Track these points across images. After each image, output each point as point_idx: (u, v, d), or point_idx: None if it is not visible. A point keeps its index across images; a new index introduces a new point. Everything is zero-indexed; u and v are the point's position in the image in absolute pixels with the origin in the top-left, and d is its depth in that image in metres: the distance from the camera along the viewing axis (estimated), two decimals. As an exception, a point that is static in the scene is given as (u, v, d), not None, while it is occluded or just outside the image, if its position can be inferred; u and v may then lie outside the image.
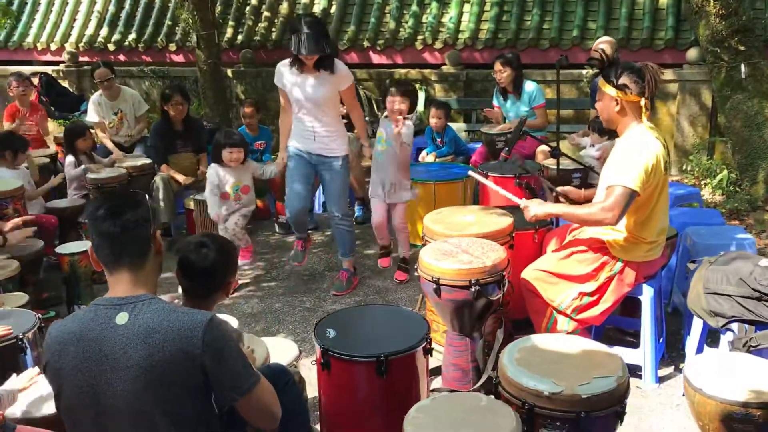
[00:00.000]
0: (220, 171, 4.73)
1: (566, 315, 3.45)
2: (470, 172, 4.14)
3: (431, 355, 2.71)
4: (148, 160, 5.77)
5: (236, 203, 4.77)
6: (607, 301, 3.43)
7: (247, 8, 8.87)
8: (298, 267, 5.10)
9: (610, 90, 3.28)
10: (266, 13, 8.75)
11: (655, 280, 3.54)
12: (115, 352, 1.85)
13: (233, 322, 3.34)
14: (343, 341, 2.59)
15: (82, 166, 5.48)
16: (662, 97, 7.11)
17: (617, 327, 4.02)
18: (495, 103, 6.22)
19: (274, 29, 8.63)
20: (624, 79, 3.25)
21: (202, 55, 7.74)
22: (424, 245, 3.61)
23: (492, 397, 2.29)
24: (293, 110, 4.51)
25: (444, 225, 3.71)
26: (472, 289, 3.15)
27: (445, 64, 7.80)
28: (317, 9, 8.58)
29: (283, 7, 8.72)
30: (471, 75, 7.68)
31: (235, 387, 1.94)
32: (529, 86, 5.91)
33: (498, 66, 5.88)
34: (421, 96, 7.57)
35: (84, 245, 4.42)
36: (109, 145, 6.20)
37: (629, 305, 3.77)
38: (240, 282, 4.91)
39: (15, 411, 2.48)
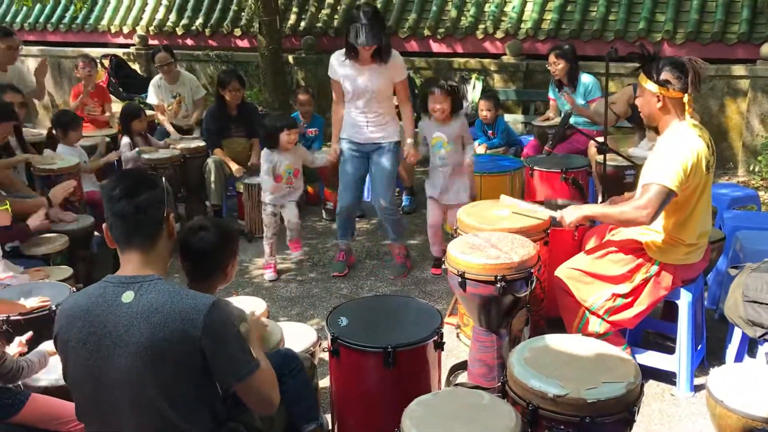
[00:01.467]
0: (274, 154, 4.80)
1: (599, 316, 3.36)
2: (502, 197, 3.94)
3: (442, 349, 2.67)
4: (202, 143, 5.90)
5: (287, 186, 4.84)
6: (642, 303, 3.31)
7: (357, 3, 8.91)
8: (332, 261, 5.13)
9: (650, 86, 3.15)
10: (329, 0, 8.78)
11: (695, 284, 3.40)
12: (119, 329, 1.89)
13: (261, 305, 3.39)
14: (353, 330, 2.58)
15: (137, 148, 5.65)
16: (732, 94, 6.80)
17: (658, 332, 3.88)
18: (550, 95, 6.10)
19: (336, 16, 8.66)
20: (666, 74, 3.11)
21: (263, 41, 7.84)
22: (453, 237, 3.57)
23: (496, 395, 2.25)
24: (347, 101, 4.54)
25: (477, 218, 3.66)
26: (498, 285, 3.09)
27: (505, 54, 7.66)
28: (380, -3, 8.57)
29: (346, -5, 8.75)
30: (531, 66, 7.52)
31: (233, 372, 1.95)
32: (586, 79, 5.75)
33: (552, 58, 5.75)
34: (478, 86, 7.46)
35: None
36: (168, 127, 6.39)
37: (671, 309, 3.64)
38: (282, 266, 4.98)
39: (49, 376, 2.58)
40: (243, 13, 9.00)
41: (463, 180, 4.59)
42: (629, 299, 3.32)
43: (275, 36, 7.86)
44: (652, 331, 3.90)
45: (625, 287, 3.31)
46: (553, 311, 3.66)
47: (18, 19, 10.14)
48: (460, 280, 3.17)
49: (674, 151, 3.07)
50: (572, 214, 3.31)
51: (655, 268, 3.28)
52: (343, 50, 4.40)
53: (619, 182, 4.94)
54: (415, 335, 2.54)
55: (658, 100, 3.14)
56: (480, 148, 6.04)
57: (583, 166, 4.77)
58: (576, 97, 5.76)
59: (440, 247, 4.71)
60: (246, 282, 4.81)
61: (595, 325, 3.36)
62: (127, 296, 1.91)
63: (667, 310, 3.80)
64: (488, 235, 3.40)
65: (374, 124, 4.52)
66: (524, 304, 3.26)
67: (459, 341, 3.86)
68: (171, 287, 1.95)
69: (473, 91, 7.34)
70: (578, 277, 3.40)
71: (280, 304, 4.43)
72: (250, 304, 3.41)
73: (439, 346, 2.62)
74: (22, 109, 5.05)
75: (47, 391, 2.50)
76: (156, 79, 6.54)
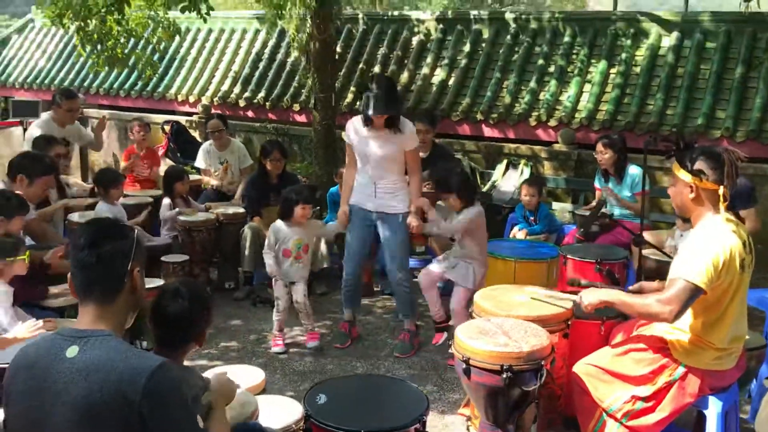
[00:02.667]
0: (284, 228, 4.72)
1: (616, 419, 3.08)
2: (527, 288, 3.77)
3: (425, 440, 2.46)
4: (241, 209, 5.94)
5: (296, 261, 4.71)
6: (664, 410, 3.02)
7: (370, 75, 9.10)
8: (363, 333, 4.98)
9: (684, 175, 2.97)
10: (386, 81, 8.93)
11: (728, 394, 3.09)
12: (58, 385, 1.78)
13: (259, 375, 3.26)
14: (330, 409, 2.42)
15: (176, 209, 5.72)
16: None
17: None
18: (596, 184, 5.91)
19: (392, 96, 8.77)
20: (700, 164, 2.93)
21: (317, 116, 7.97)
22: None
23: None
24: (358, 166, 4.54)
25: (493, 302, 3.48)
26: (504, 375, 2.89)
27: (557, 142, 7.54)
28: (436, 80, 8.65)
29: (404, 77, 8.87)
30: (583, 155, 7.35)
31: None
32: (633, 170, 5.55)
33: (600, 147, 5.61)
34: (526, 171, 7.33)
35: (155, 282, 4.53)
36: (214, 183, 6.51)
37: (703, 421, 3.31)
38: (300, 338, 4.85)
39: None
40: (303, 90, 9.22)
41: (470, 263, 4.53)
42: (650, 403, 3.03)
43: (329, 112, 7.98)
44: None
45: (647, 390, 3.03)
46: (571, 409, 3.39)
47: (95, 84, 10.69)
48: (464, 366, 2.98)
49: (705, 245, 2.85)
50: (592, 295, 3.11)
51: (680, 371, 3.00)
52: (361, 116, 4.46)
53: (662, 278, 4.66)
54: (394, 421, 2.35)
55: (691, 191, 2.96)
56: (520, 234, 5.87)
57: (620, 258, 4.53)
58: (622, 188, 5.57)
59: (438, 309, 4.71)
60: (261, 352, 4.69)
61: (612, 429, 3.08)
62: (72, 351, 1.81)
63: (700, 422, 3.46)
64: (501, 321, 3.21)
65: (383, 191, 4.51)
66: (533, 399, 3.03)
67: (469, 434, 3.61)
68: (118, 345, 1.83)
69: (520, 177, 7.20)
70: (596, 374, 3.14)
71: (290, 377, 4.28)
72: (248, 374, 3.29)
73: (421, 436, 2.42)
74: (65, 159, 5.20)
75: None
76: (206, 144, 6.70)
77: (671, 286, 2.84)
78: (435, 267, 4.63)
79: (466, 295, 4.43)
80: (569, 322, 3.41)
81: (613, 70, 7.81)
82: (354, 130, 4.53)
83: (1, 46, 12.33)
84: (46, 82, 11.08)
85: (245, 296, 5.67)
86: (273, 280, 4.80)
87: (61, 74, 11.17)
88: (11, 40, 12.35)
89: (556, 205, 7.13)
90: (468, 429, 3.64)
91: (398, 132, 4.41)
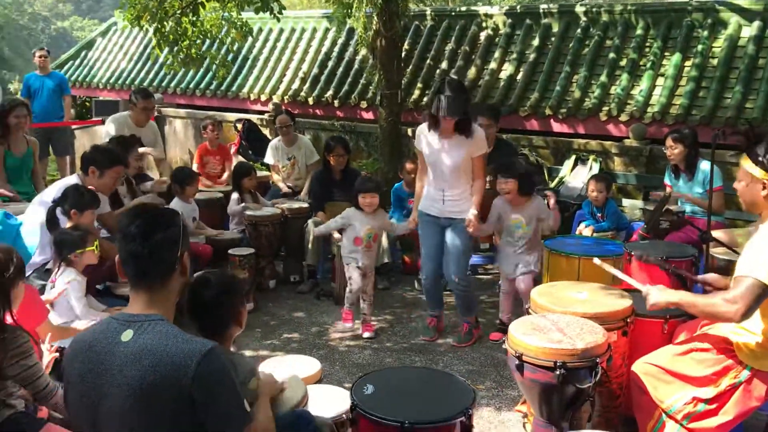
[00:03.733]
0: (358, 215, 4.86)
1: (676, 421, 2.97)
2: (595, 260, 3.72)
3: (471, 434, 2.44)
4: (305, 204, 6.03)
5: (365, 249, 4.80)
6: (728, 413, 2.89)
7: (437, 72, 9.07)
8: (421, 326, 4.99)
9: (754, 170, 2.84)
10: (453, 77, 8.86)
11: (799, 400, 2.93)
12: (113, 368, 1.86)
13: (315, 365, 3.31)
14: (376, 400, 2.43)
15: (243, 204, 5.86)
16: None
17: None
18: (666, 181, 5.70)
19: (459, 93, 8.71)
20: None
21: (383, 113, 8.00)
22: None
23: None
24: (428, 174, 4.55)
25: (550, 299, 3.41)
26: (557, 372, 2.84)
27: (628, 138, 7.33)
28: (504, 75, 8.54)
29: (471, 73, 8.80)
30: (655, 151, 7.10)
31: (223, 424, 1.86)
32: (705, 166, 5.33)
33: (669, 141, 5.41)
34: (595, 167, 7.15)
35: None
36: (281, 185, 6.63)
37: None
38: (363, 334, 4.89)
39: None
40: (370, 87, 9.28)
41: (533, 254, 4.64)
42: (713, 406, 2.91)
43: (395, 109, 8.00)
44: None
45: (709, 391, 2.92)
46: (630, 410, 3.28)
47: (172, 84, 11.05)
48: (517, 362, 2.95)
49: (775, 244, 2.72)
50: (658, 295, 2.99)
51: (745, 374, 2.87)
52: (427, 121, 4.45)
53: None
54: (439, 414, 2.34)
55: (764, 187, 2.82)
56: (586, 231, 5.73)
57: (688, 255, 4.36)
58: (693, 185, 5.36)
59: (509, 315, 4.73)
60: (322, 344, 4.76)
61: (673, 430, 2.98)
62: (126, 335, 1.88)
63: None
64: (557, 318, 3.16)
65: (450, 198, 4.50)
66: (588, 396, 2.96)
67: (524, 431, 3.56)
68: (170, 329, 1.90)
69: (589, 173, 7.03)
70: (656, 374, 3.04)
71: (348, 369, 4.33)
72: (305, 364, 3.34)
73: (467, 429, 2.40)
74: (140, 162, 5.40)
75: (63, 421, 2.52)
76: (275, 140, 6.84)
77: (738, 284, 2.72)
78: (507, 281, 4.73)
79: (532, 277, 4.62)
80: (628, 320, 3.31)
81: (688, 63, 7.52)
82: (426, 142, 4.52)
83: (86, 48, 12.92)
84: (127, 82, 11.54)
85: (309, 290, 5.77)
86: (345, 264, 4.93)
87: (141, 75, 11.61)
88: (96, 43, 12.93)
89: (626, 202, 6.92)
90: (524, 426, 3.59)
91: (468, 137, 4.37)
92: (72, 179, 4.52)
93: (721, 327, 3.06)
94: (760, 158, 2.83)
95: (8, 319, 2.49)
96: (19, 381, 2.43)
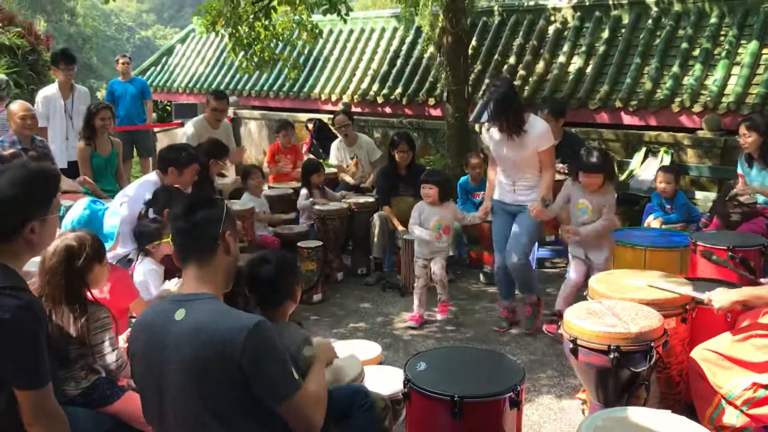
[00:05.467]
0: (426, 207, 4.98)
1: (736, 407, 2.96)
2: (647, 273, 3.70)
3: (519, 409, 2.52)
4: (371, 199, 6.19)
5: (437, 242, 4.92)
6: (789, 399, 2.86)
7: (504, 67, 9.08)
8: (488, 319, 5.06)
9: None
10: (521, 72, 8.87)
11: None
12: (170, 346, 2.01)
13: (376, 349, 3.45)
14: (429, 376, 2.54)
15: (311, 199, 6.07)
16: None
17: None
18: (739, 170, 5.55)
19: (527, 87, 8.70)
20: None
21: (450, 109, 8.07)
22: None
23: None
24: (498, 166, 4.64)
25: (607, 285, 3.44)
26: (611, 356, 2.88)
27: (701, 129, 7.16)
28: (572, 69, 8.48)
29: (539, 67, 8.77)
30: (730, 142, 6.92)
31: (272, 393, 2.00)
32: (781, 155, 5.17)
33: (743, 129, 5.27)
34: (666, 159, 7.02)
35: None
36: (348, 179, 6.83)
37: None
38: (427, 322, 4.99)
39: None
40: (437, 84, 9.37)
41: (600, 243, 4.52)
42: (773, 392, 2.89)
43: (462, 105, 8.06)
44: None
45: (769, 377, 2.89)
46: (691, 397, 3.28)
47: (247, 87, 11.45)
48: (572, 346, 3.00)
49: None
50: (723, 298, 3.00)
51: (806, 359, 2.84)
52: None
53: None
54: (489, 389, 2.43)
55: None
56: (655, 223, 5.66)
57: (756, 245, 4.27)
58: (767, 174, 5.21)
59: (566, 305, 4.52)
60: (387, 333, 4.89)
61: (732, 417, 2.97)
62: (180, 314, 2.03)
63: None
64: (613, 303, 3.19)
65: (521, 188, 4.62)
66: (643, 380, 2.98)
67: (583, 417, 3.58)
68: (220, 306, 2.04)
69: (660, 165, 6.89)
70: (715, 360, 3.04)
71: (408, 357, 4.43)
72: (367, 348, 3.49)
73: (515, 405, 2.48)
74: (219, 166, 5.68)
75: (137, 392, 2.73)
76: (337, 141, 7.04)
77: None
78: (578, 264, 4.64)
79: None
80: (687, 307, 3.30)
81: (766, 51, 7.29)
82: (490, 138, 4.63)
83: (166, 55, 13.53)
84: (205, 86, 12.01)
85: (375, 281, 5.92)
86: (415, 261, 5.05)
87: (218, 78, 12.07)
88: (175, 49, 13.52)
89: (699, 195, 6.78)
90: (583, 412, 3.62)
91: (525, 134, 4.41)
92: (152, 177, 4.80)
93: (783, 313, 3.03)
94: None
95: (90, 296, 2.73)
96: (98, 352, 2.66)
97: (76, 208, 3.40)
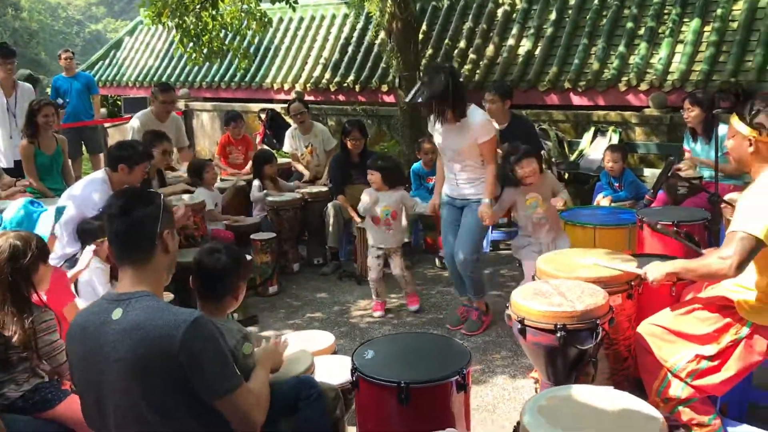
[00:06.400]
0: (373, 193, 4.95)
1: (681, 379, 3.02)
2: (592, 251, 3.74)
3: (466, 392, 2.53)
4: (324, 188, 6.15)
5: (386, 228, 4.88)
6: (730, 369, 2.93)
7: (455, 51, 9.08)
8: (443, 304, 5.08)
9: (742, 128, 2.87)
10: (472, 56, 8.88)
11: (801, 352, 2.94)
12: (107, 346, 1.96)
13: (329, 339, 3.43)
14: (376, 363, 2.53)
15: (264, 191, 6.01)
16: None
17: (769, 406, 3.40)
18: (685, 146, 5.67)
19: (478, 71, 8.72)
20: (762, 117, 2.82)
21: (402, 95, 8.05)
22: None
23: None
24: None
25: (555, 265, 3.47)
26: (558, 335, 2.90)
27: (648, 107, 7.27)
28: (522, 51, 8.52)
29: (489, 50, 8.80)
30: (676, 119, 7.03)
31: (210, 388, 1.96)
32: (723, 130, 5.26)
33: (686, 104, 5.37)
34: (615, 138, 7.12)
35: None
36: (301, 168, 6.78)
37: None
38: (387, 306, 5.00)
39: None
40: (390, 70, 9.33)
41: (562, 234, 4.50)
42: (716, 362, 2.95)
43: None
44: (762, 404, 3.42)
45: (711, 349, 2.95)
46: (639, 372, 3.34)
47: (198, 78, 11.27)
48: (520, 326, 3.02)
49: (765, 198, 2.74)
50: (656, 270, 3.04)
51: (746, 330, 2.90)
52: None
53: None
54: (435, 373, 2.44)
55: (750, 144, 2.85)
56: (604, 201, 5.74)
57: (699, 219, 4.36)
58: (710, 149, 5.32)
59: None
60: (343, 321, 4.88)
61: (677, 389, 3.02)
62: (117, 313, 1.98)
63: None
64: (559, 283, 3.21)
65: (462, 180, 4.47)
66: (590, 358, 3.02)
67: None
68: (156, 303, 1.99)
69: (608, 144, 6.99)
70: (660, 334, 3.09)
71: (367, 344, 4.44)
72: (320, 338, 3.47)
73: (462, 388, 2.49)
74: (165, 157, 5.56)
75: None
76: (291, 129, 6.96)
77: (730, 240, 2.75)
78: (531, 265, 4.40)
79: None
80: (632, 283, 3.34)
81: (708, 28, 7.42)
82: (433, 126, 4.50)
83: (115, 48, 13.23)
84: (155, 79, 11.78)
85: (332, 271, 5.90)
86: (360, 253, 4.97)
87: (168, 71, 11.85)
88: (124, 43, 13.23)
89: (647, 172, 6.88)
90: (536, 391, 3.65)
91: (465, 123, 4.28)
92: (99, 174, 4.67)
93: (721, 286, 3.09)
94: (747, 116, 2.85)
95: (35, 298, 2.66)
96: (43, 355, 2.60)
97: (11, 208, 3.31)
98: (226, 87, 10.94)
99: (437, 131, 4.47)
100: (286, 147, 6.92)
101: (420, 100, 4.24)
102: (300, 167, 6.83)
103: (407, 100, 4.26)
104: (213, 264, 2.44)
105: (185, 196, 5.40)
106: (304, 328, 4.78)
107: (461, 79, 4.96)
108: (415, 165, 6.44)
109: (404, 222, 5.71)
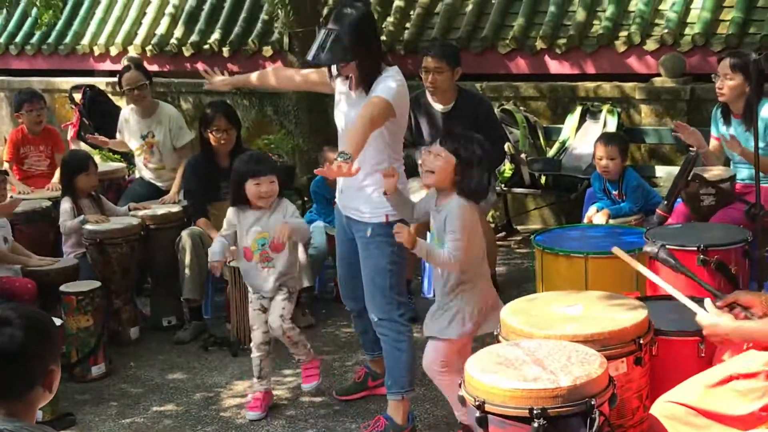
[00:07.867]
0: (241, 215, 4.85)
1: (717, 482, 3.11)
2: (614, 249, 3.88)
3: None
4: (176, 208, 6.11)
5: (262, 266, 4.83)
6: (786, 464, 3.05)
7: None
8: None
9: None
10: (398, 2, 8.98)
11: None
12: None
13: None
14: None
15: (81, 216, 5.88)
16: None
17: None
18: (713, 132, 5.85)
19: (407, 25, 8.84)
20: None
21: (295, 62, 8.09)
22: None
23: None
24: None
25: (526, 318, 3.53)
26: (535, 424, 2.94)
27: (659, 75, 7.53)
28: (471, -5, 8.69)
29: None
30: (699, 92, 7.32)
31: None
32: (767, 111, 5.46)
33: (725, 68, 5.41)
34: (611, 122, 7.32)
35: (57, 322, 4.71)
36: (145, 174, 6.79)
37: None
38: (274, 392, 4.97)
39: None
40: (275, 25, 9.35)
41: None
42: (766, 456, 3.07)
43: (314, 56, 8.09)
44: None
45: (759, 435, 3.07)
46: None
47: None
48: (478, 414, 3.05)
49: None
50: (730, 326, 3.15)
51: (808, 406, 3.03)
52: None
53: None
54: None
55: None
56: (598, 217, 5.82)
57: (735, 242, 4.51)
58: (750, 135, 5.52)
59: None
60: (211, 416, 4.86)
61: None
62: None
63: None
64: (536, 345, 3.27)
65: (347, 184, 4.36)
66: (584, 455, 3.08)
67: None
68: None
69: (602, 131, 7.19)
70: (683, 416, 3.18)
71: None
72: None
73: None
74: None
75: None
76: (125, 110, 6.90)
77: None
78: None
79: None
80: (642, 341, 3.43)
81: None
82: (338, 83, 4.46)
83: None
84: None
85: (192, 337, 5.84)
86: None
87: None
88: None
89: (660, 171, 7.11)
90: None
91: (371, 91, 4.19)
92: None
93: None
94: None
95: None
96: None
97: None
98: (18, 52, 10.77)
99: (338, 100, 4.45)
100: (117, 137, 6.88)
101: (310, 58, 4.23)
102: (143, 172, 6.78)
103: (309, 58, 4.20)
104: (5, 345, 2.36)
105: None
106: (149, 429, 4.71)
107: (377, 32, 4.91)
108: (316, 180, 6.37)
109: (301, 256, 5.69)
